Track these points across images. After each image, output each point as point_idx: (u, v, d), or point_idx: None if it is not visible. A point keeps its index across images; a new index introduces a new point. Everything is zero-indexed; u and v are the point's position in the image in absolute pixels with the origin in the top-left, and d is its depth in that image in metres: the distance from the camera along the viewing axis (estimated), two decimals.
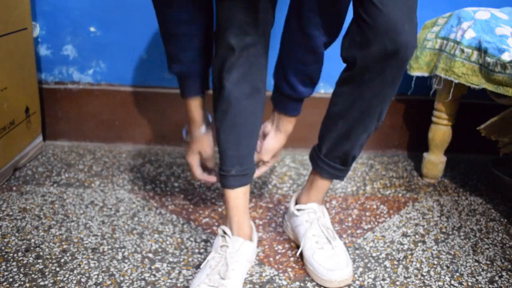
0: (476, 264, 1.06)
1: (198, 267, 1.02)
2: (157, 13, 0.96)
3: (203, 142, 1.08)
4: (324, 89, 1.56)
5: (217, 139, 0.99)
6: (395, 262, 1.06)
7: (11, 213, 1.18)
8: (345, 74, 0.94)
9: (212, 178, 1.11)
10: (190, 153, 1.10)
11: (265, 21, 0.93)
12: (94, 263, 1.01)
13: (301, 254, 1.05)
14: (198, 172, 1.11)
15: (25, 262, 1.00)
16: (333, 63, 1.13)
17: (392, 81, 0.90)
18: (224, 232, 0.99)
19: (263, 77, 0.97)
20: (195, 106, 1.04)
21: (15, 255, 1.02)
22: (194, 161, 1.10)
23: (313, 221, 1.04)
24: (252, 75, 0.94)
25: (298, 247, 1.08)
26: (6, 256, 1.02)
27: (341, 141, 0.98)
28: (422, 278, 1.01)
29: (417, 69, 1.35)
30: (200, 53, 0.99)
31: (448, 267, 1.05)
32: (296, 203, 1.12)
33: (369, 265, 1.04)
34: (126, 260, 1.03)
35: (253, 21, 0.90)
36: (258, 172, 1.10)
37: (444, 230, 1.19)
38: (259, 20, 0.91)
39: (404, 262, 1.06)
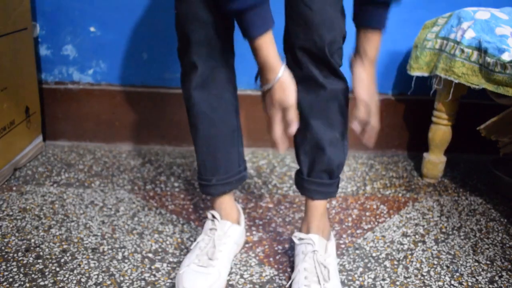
0: (476, 264, 1.06)
1: None
2: None
3: (285, 84, 0.84)
4: None
5: (195, 150, 1.01)
6: (395, 262, 1.06)
7: (11, 213, 1.18)
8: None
9: (285, 147, 0.88)
10: (270, 106, 0.86)
11: (225, 27, 0.90)
12: (94, 263, 1.01)
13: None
14: (278, 129, 0.87)
15: (25, 262, 1.00)
16: None
17: (335, 70, 0.89)
18: (213, 216, 1.03)
19: (230, 85, 0.96)
20: (271, 42, 0.81)
21: (15, 255, 1.02)
22: (276, 114, 0.86)
23: (307, 254, 0.95)
24: (217, 88, 0.93)
25: None
26: (6, 256, 1.02)
27: (317, 150, 0.94)
28: (422, 278, 1.01)
29: (417, 69, 1.35)
30: None
31: (448, 267, 1.05)
32: (300, 231, 1.03)
33: (369, 265, 1.04)
34: (126, 260, 1.03)
35: (213, 34, 0.88)
36: (368, 135, 0.91)
37: (444, 230, 1.19)
38: (219, 32, 0.89)
39: (404, 262, 1.06)
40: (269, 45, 0.81)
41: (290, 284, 0.95)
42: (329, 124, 0.92)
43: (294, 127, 0.87)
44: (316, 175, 0.96)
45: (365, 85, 0.88)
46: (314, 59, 0.87)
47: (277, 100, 0.84)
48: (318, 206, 0.99)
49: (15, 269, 0.98)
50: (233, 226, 1.03)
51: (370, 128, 0.90)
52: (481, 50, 1.16)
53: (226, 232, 1.01)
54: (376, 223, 1.21)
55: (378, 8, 0.84)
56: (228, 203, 1.05)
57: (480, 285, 0.99)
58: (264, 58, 0.82)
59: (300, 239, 0.98)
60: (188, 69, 0.92)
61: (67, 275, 0.97)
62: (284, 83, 0.84)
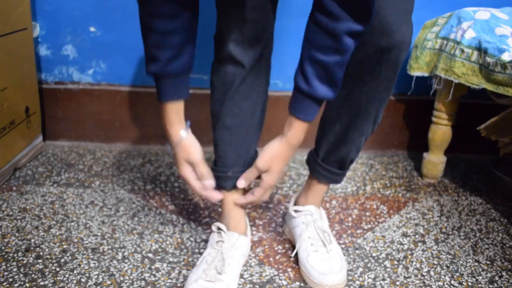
0: (476, 264, 1.06)
1: None
2: (139, 4, 0.86)
3: (187, 146, 0.92)
4: None
5: (214, 141, 1.01)
6: (395, 262, 1.06)
7: (11, 213, 1.18)
8: None
9: (217, 194, 0.96)
10: (180, 166, 0.94)
11: (270, 31, 0.95)
12: (94, 263, 1.01)
13: (296, 255, 1.04)
14: (196, 185, 0.94)
15: (25, 262, 1.00)
16: None
17: (386, 85, 0.90)
18: (219, 228, 1.01)
19: (264, 77, 1.00)
20: (172, 111, 0.90)
21: (15, 255, 1.02)
22: (186, 173, 0.94)
23: (309, 223, 1.04)
24: (251, 77, 0.96)
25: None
26: (6, 256, 1.02)
27: (338, 145, 0.98)
28: (422, 278, 1.01)
29: (417, 69, 1.35)
30: (180, 52, 0.86)
31: (448, 267, 1.05)
32: (295, 204, 1.11)
33: (369, 265, 1.04)
34: (126, 260, 1.03)
35: (260, 33, 0.92)
36: (245, 199, 0.99)
37: (444, 230, 1.19)
38: (266, 31, 0.93)
39: (404, 262, 1.06)
40: (172, 113, 0.89)
41: (296, 254, 1.03)
42: (360, 132, 0.96)
43: (208, 182, 0.94)
44: (328, 163, 1.02)
45: (265, 156, 0.91)
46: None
47: (182, 157, 0.92)
48: (322, 187, 1.06)
49: (15, 269, 0.98)
50: (240, 238, 1.01)
51: (256, 192, 0.95)
52: (481, 50, 1.16)
53: (234, 244, 0.99)
54: (376, 223, 1.21)
55: (308, 99, 0.83)
56: (238, 212, 1.04)
57: (480, 285, 0.99)
58: (167, 120, 0.91)
59: (297, 211, 1.07)
60: (223, 57, 0.94)
61: (67, 275, 0.97)
62: (186, 145, 0.92)
